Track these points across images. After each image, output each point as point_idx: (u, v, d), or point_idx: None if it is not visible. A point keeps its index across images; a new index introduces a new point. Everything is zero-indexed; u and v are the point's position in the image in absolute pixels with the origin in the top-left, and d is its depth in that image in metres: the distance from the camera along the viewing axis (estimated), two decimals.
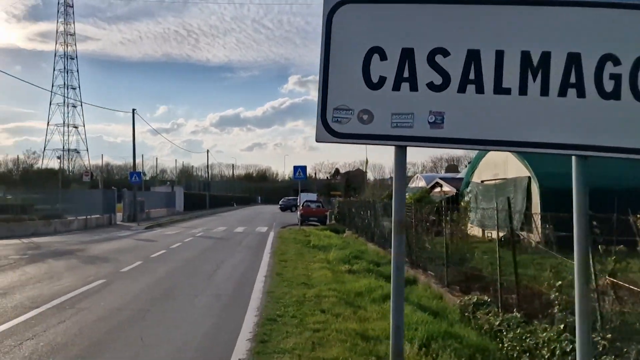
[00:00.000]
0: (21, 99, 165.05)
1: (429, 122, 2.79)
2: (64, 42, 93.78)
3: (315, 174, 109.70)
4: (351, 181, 60.12)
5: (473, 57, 2.77)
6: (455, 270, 9.26)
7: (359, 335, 6.43)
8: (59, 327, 7.11)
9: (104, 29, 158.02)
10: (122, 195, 37.83)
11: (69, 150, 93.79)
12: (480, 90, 2.77)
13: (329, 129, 2.87)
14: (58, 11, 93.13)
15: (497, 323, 6.32)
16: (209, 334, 6.87)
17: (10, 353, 5.90)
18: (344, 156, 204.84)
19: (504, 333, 5.96)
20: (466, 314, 7.21)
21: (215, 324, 7.41)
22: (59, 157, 67.00)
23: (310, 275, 11.13)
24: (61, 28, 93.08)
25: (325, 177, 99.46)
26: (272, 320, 7.24)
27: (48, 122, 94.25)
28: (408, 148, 2.89)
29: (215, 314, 8.03)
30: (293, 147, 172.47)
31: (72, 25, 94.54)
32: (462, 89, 2.78)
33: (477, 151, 20.55)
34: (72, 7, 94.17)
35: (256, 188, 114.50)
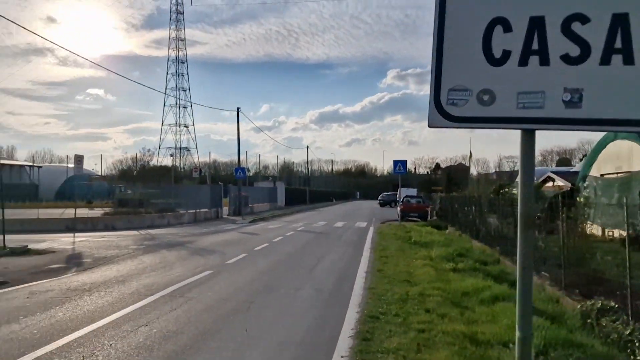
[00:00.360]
0: (139, 102, 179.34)
1: (563, 101, 2.39)
2: (176, 47, 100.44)
3: (415, 168, 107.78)
4: (453, 176, 58.12)
5: (619, 22, 2.33)
6: (573, 271, 8.45)
7: (467, 338, 6.01)
8: (170, 315, 7.43)
9: (210, 33, 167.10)
10: (227, 190, 39.66)
11: (180, 148, 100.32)
12: (629, 60, 2.32)
13: (444, 113, 2.57)
14: (170, 19, 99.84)
15: (627, 332, 5.61)
16: (311, 329, 6.81)
17: (126, 338, 6.23)
18: (445, 151, 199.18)
19: (637, 344, 5.26)
20: (588, 321, 6.50)
21: (316, 319, 7.34)
22: (171, 155, 71.89)
23: (413, 273, 10.75)
24: (173, 34, 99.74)
25: (425, 172, 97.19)
26: (374, 317, 7.02)
27: (162, 123, 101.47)
28: (533, 133, 2.52)
29: (317, 309, 7.97)
30: (392, 142, 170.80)
31: (183, 31, 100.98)
32: (605, 60, 2.34)
33: (597, 142, 18.81)
34: (183, 14, 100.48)
35: (355, 183, 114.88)
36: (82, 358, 5.47)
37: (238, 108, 39.91)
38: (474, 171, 67.73)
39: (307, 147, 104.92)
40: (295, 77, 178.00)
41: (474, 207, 18.23)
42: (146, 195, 33.15)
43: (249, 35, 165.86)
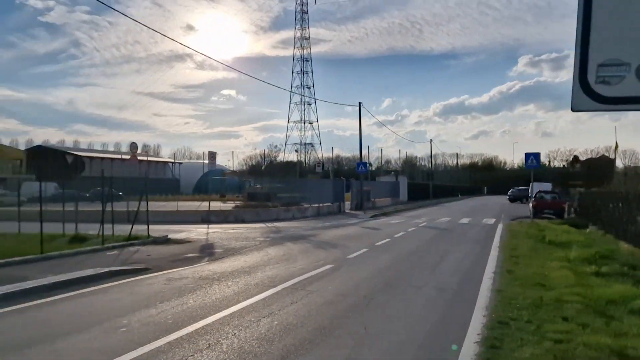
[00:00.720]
0: (268, 101, 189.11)
1: None
2: (301, 46, 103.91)
3: (549, 162, 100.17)
4: (594, 170, 52.91)
5: None
6: None
7: (614, 353, 5.27)
8: (291, 307, 7.53)
9: (334, 30, 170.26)
10: (350, 184, 40.00)
11: (305, 144, 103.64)
12: None
13: (591, 93, 2.14)
14: (295, 19, 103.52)
15: None
16: (433, 331, 6.46)
17: (249, 328, 6.40)
18: (584, 142, 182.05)
19: None
20: None
21: (439, 320, 6.97)
22: (296, 151, 74.44)
23: (547, 275, 9.82)
24: (298, 34, 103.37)
25: (562, 166, 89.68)
26: (503, 323, 6.46)
27: (288, 120, 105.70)
28: None
29: (439, 309, 7.58)
30: (523, 133, 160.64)
31: (307, 30, 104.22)
32: None
33: None
34: (307, 13, 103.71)
35: (481, 178, 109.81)
36: (207, 345, 5.71)
37: (360, 103, 40.05)
38: (619, 164, 61.07)
39: (431, 140, 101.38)
40: (418, 70, 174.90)
41: (620, 204, 16.28)
42: (273, 189, 34.56)
43: (371, 30, 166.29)
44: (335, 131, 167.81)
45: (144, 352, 5.46)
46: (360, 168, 37.47)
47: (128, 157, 22.77)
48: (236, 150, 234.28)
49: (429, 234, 19.82)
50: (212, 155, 26.15)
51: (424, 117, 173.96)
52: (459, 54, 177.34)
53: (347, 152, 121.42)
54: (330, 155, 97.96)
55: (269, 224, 24.34)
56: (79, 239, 16.33)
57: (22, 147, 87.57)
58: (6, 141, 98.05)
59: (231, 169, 70.56)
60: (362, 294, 8.49)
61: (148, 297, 8.37)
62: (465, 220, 27.08)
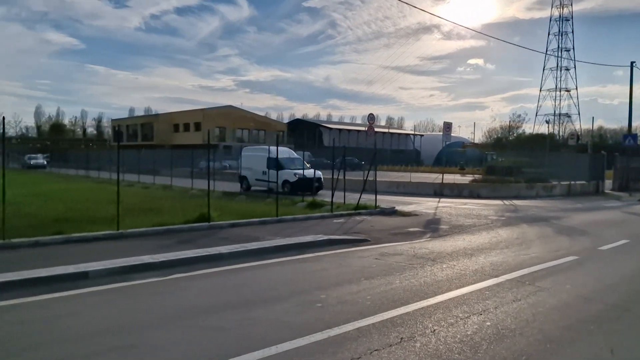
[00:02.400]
0: (518, 69, 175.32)
1: None
2: (560, 4, 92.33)
3: None
4: None
5: None
6: None
7: None
8: (511, 306, 6.18)
9: None
10: (613, 160, 33.97)
11: (559, 114, 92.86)
12: None
13: None
14: None
15: None
16: None
17: (453, 326, 5.35)
18: None
19: None
20: None
21: None
22: (547, 122, 66.86)
23: None
24: None
25: None
26: None
27: (540, 88, 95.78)
28: None
29: None
30: None
31: None
32: None
33: None
34: None
35: None
36: (399, 340, 4.89)
37: (632, 62, 33.34)
38: None
39: None
40: None
41: None
42: (517, 163, 31.68)
43: None
44: (600, 99, 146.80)
45: (330, 336, 4.94)
46: (628, 141, 31.39)
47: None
48: (481, 122, 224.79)
49: None
50: (448, 126, 24.84)
51: None
52: None
53: (613, 123, 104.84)
54: (590, 127, 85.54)
55: (506, 202, 22.08)
56: (315, 205, 17.22)
57: (286, 121, 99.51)
58: (274, 115, 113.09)
59: (472, 142, 67.62)
60: (612, 301, 6.55)
61: (354, 271, 7.95)
62: None
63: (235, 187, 24.29)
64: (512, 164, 31.90)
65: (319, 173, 23.03)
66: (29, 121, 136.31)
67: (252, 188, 23.94)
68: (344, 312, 5.78)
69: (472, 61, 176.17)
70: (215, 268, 8.10)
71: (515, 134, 47.54)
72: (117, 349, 4.58)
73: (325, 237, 10.83)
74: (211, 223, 12.39)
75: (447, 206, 19.34)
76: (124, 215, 12.11)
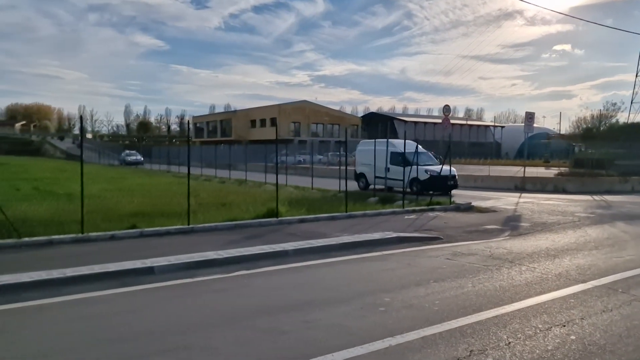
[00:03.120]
0: (611, 54, 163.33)
1: None
2: None
3: None
4: None
5: None
6: None
7: None
8: (600, 317, 5.47)
9: None
10: None
11: None
12: None
13: None
14: None
15: None
16: None
17: (531, 339, 4.78)
18: None
19: None
20: None
21: None
22: None
23: None
24: None
25: None
26: None
27: (637, 74, 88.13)
28: None
29: None
30: None
31: None
32: None
33: None
34: None
35: None
36: (467, 354, 4.42)
37: None
38: None
39: None
40: None
41: None
42: (609, 155, 29.46)
43: None
44: None
45: (391, 345, 4.57)
46: None
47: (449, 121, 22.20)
48: (568, 112, 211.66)
49: None
50: (530, 116, 23.33)
51: None
52: None
53: None
54: None
55: (596, 197, 20.37)
56: (386, 200, 16.77)
57: (360, 115, 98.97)
58: (349, 109, 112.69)
59: (558, 132, 63.65)
60: None
61: (424, 272, 7.48)
62: None
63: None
64: (604, 156, 29.68)
65: (454, 170, 19.78)
66: (120, 120, 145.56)
67: (371, 186, 21.32)
68: (408, 317, 5.37)
69: (558, 47, 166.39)
70: (279, 265, 7.95)
71: (607, 124, 44.07)
72: (168, 351, 4.47)
73: (395, 235, 10.39)
74: (280, 218, 12.32)
75: (529, 202, 18.13)
76: (198, 211, 12.35)
